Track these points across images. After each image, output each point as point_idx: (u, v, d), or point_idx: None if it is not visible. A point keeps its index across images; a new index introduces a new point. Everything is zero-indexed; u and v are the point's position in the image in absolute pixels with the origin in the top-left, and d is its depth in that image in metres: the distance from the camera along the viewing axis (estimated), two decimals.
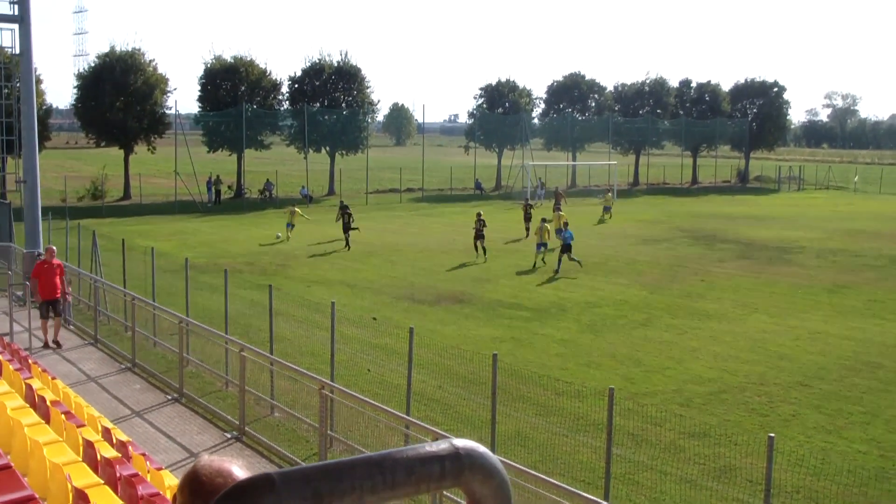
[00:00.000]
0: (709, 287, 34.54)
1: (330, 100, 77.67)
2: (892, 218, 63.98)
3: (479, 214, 41.97)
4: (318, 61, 77.58)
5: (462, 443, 2.01)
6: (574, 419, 18.73)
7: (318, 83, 77.41)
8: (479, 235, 41.16)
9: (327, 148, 77.56)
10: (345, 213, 44.56)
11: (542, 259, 39.27)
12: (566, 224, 39.50)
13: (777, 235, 51.89)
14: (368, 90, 79.85)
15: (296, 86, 77.61)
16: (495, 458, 2.06)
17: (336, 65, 78.04)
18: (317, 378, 16.64)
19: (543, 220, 40.07)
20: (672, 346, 25.33)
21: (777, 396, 20.77)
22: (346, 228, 44.11)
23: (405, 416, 15.68)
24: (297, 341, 24.93)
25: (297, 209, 49.70)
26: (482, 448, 2.06)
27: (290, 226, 48.09)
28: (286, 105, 77.85)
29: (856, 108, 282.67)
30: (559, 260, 37.83)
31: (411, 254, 42.37)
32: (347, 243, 43.76)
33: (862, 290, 34.59)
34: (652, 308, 30.63)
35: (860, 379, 22.30)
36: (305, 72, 77.63)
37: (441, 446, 1.98)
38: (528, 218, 49.42)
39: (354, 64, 78.98)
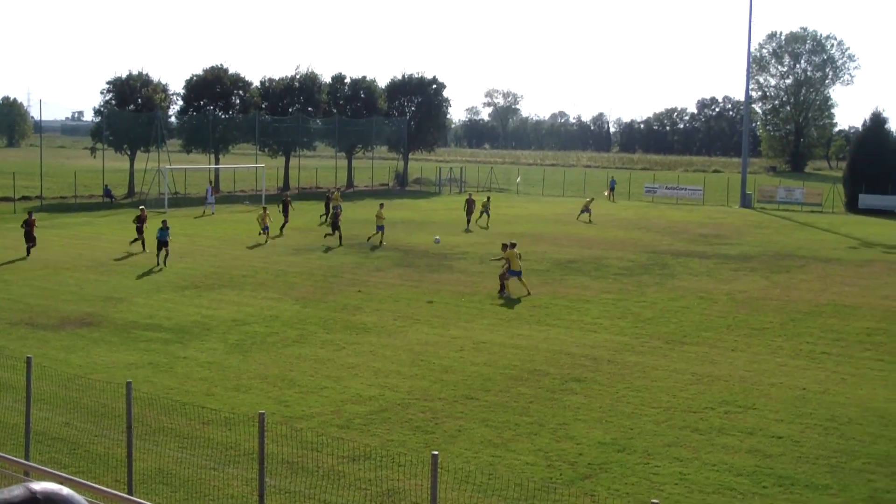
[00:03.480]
0: (366, 298, 35.28)
1: None
2: (554, 220, 68.27)
3: (29, 214, 47.70)
4: None
5: (41, 486, 1.87)
6: (223, 449, 18.54)
7: None
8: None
9: None
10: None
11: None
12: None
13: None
14: None
15: None
16: (82, 501, 1.94)
17: None
18: None
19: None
20: (328, 364, 25.64)
21: (442, 412, 21.54)
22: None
23: (23, 460, 14.87)
24: None
25: None
26: (66, 491, 1.94)
27: None
28: None
29: (517, 106, 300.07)
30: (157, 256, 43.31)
31: (28, 272, 40.31)
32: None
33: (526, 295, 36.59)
34: (305, 323, 30.89)
35: (526, 388, 23.57)
36: None
37: (14, 492, 1.83)
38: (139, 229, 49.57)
39: None
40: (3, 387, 22.37)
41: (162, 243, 43.07)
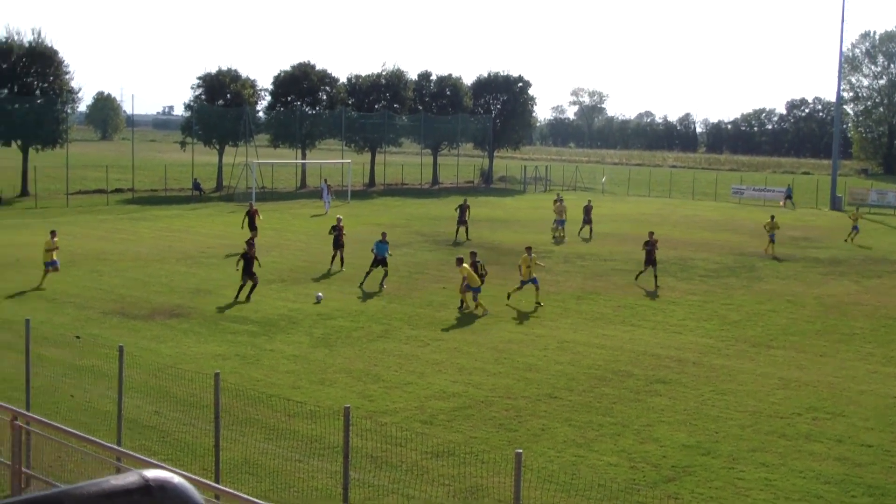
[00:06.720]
0: (451, 295, 35.29)
1: (20, 86, 74.09)
2: (639, 220, 67.65)
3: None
4: (4, 40, 73.80)
5: (154, 474, 1.92)
6: (308, 442, 18.71)
7: (5, 66, 73.60)
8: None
9: (19, 142, 73.99)
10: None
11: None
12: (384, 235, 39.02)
13: (523, 239, 53.60)
14: (67, 76, 76.81)
15: None
16: (192, 490, 1.99)
17: (27, 45, 74.55)
18: (8, 408, 15.78)
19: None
20: (413, 360, 25.76)
21: (525, 410, 21.52)
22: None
23: (116, 446, 15.15)
24: None
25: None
26: (177, 479, 1.98)
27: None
28: None
29: (603, 105, 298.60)
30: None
31: (120, 263, 41.08)
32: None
33: (611, 295, 36.39)
34: (390, 319, 31.04)
35: (610, 388, 23.44)
36: None
37: (129, 479, 1.88)
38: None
39: (49, 45, 75.69)
40: (96, 374, 22.83)
41: (380, 260, 37.23)
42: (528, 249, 35.24)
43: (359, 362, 25.39)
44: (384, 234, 38.90)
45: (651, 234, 40.44)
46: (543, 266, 37.25)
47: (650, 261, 38.98)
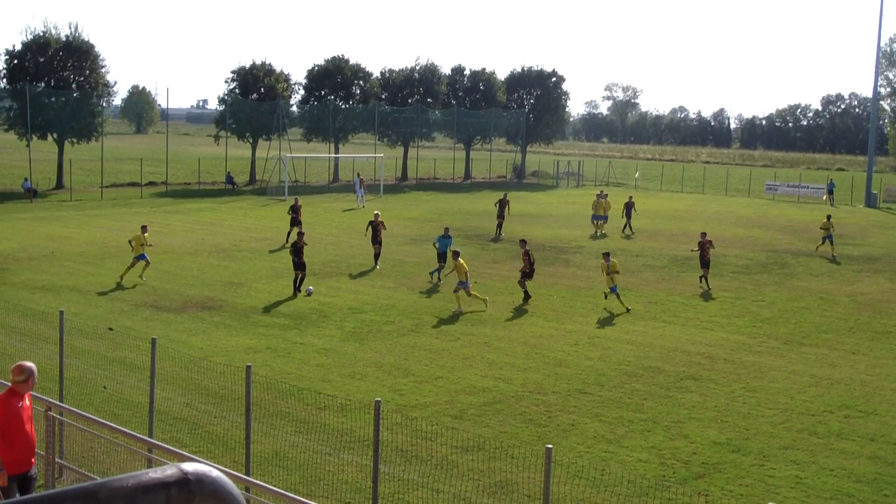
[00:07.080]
0: (482, 290, 35.28)
1: (57, 79, 74.58)
2: (671, 216, 67.38)
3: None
4: (41, 34, 74.33)
5: (192, 467, 1.95)
6: (338, 435, 18.78)
7: (42, 60, 74.15)
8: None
9: (54, 135, 74.53)
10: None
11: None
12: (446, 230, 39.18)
13: (554, 234, 53.69)
14: (103, 70, 77.26)
15: (15, 62, 74.04)
16: (230, 484, 2.01)
17: (64, 39, 75.06)
18: (42, 398, 15.92)
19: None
20: (443, 354, 25.79)
21: (555, 405, 21.50)
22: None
23: (148, 438, 15.28)
24: (19, 357, 23.75)
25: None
26: (215, 472, 2.01)
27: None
28: (3, 84, 74.26)
29: (636, 101, 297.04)
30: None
31: (153, 255, 41.21)
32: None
33: (642, 291, 36.28)
34: (421, 313, 31.09)
35: (640, 385, 23.38)
36: (26, 46, 74.13)
37: (167, 472, 1.91)
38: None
39: (86, 39, 76.18)
40: (128, 366, 23.02)
41: (442, 255, 37.25)
42: (606, 255, 34.21)
43: (389, 356, 25.45)
44: (447, 229, 39.11)
45: (703, 234, 39.06)
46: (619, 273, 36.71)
47: (705, 262, 37.81)
